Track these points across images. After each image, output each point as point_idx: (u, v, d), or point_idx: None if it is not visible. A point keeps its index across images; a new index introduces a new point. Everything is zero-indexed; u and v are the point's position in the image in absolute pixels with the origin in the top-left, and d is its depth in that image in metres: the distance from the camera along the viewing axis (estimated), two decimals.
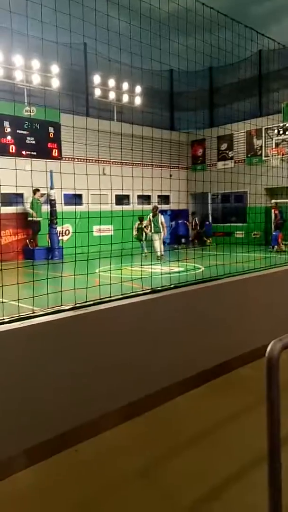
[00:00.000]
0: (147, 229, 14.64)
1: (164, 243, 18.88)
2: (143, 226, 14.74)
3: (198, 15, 4.68)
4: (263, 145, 19.18)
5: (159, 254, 13.34)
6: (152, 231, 14.36)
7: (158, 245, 14.03)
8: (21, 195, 14.90)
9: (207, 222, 21.08)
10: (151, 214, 14.48)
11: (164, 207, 18.17)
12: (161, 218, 14.50)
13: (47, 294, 3.60)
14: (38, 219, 15.00)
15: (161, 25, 4.48)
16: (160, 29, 4.47)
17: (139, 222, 14.74)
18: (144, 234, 14.72)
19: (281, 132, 18.54)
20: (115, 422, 3.55)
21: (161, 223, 14.31)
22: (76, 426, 3.32)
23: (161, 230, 14.21)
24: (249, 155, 19.87)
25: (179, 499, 2.75)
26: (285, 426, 1.99)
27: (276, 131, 18.69)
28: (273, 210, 17.60)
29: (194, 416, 3.84)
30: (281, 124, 17.91)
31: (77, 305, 3.64)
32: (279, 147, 18.52)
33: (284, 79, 19.31)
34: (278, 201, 16.89)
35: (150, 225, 14.43)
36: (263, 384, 1.92)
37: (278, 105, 18.90)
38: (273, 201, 17.13)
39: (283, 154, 18.00)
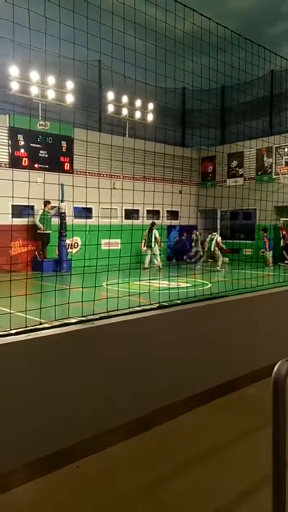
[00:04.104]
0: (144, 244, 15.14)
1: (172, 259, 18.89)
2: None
3: (212, 35, 4.75)
4: (274, 163, 19.24)
5: (146, 266, 14.20)
6: (145, 245, 15.02)
7: (148, 259, 14.75)
8: (32, 207, 15.03)
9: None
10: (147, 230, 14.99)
11: (174, 222, 18.17)
12: (155, 233, 14.88)
13: (54, 306, 3.59)
14: (47, 231, 15.09)
15: (176, 44, 4.54)
16: (175, 47, 4.53)
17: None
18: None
19: None
20: (118, 438, 3.50)
21: (155, 238, 14.81)
22: (79, 442, 3.28)
23: (153, 245, 14.75)
24: (259, 173, 19.90)
25: None
26: None
27: (286, 149, 18.77)
28: (281, 231, 17.66)
29: (199, 434, 3.77)
30: None
31: (84, 318, 3.63)
32: None
33: None
34: (286, 219, 16.97)
35: (146, 239, 14.98)
36: (270, 404, 1.88)
37: None
38: (281, 219, 17.13)
39: None
